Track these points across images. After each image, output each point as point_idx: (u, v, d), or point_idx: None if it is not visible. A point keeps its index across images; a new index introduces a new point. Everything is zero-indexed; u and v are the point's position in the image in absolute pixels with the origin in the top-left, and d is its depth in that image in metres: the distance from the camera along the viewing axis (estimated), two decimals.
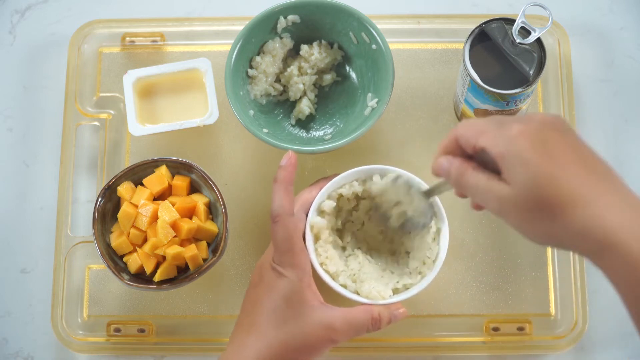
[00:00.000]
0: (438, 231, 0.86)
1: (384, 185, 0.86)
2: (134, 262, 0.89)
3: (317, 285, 0.82)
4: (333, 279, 0.85)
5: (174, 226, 0.89)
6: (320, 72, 0.98)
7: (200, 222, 0.90)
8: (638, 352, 0.93)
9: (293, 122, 0.98)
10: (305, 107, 0.96)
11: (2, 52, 1.04)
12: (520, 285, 0.94)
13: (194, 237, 0.90)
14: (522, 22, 0.85)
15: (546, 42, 0.87)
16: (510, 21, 0.86)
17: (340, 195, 0.88)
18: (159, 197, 0.91)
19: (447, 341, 0.93)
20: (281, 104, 0.98)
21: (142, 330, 0.94)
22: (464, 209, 0.95)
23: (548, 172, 0.62)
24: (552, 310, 0.93)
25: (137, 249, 0.90)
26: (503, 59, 0.86)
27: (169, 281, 0.89)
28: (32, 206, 0.99)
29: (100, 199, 0.90)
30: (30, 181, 1.00)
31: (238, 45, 0.93)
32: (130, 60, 1.02)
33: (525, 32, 0.85)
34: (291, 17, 0.95)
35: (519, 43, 0.85)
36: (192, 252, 0.88)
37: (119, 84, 1.00)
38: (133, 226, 0.89)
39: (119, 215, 0.90)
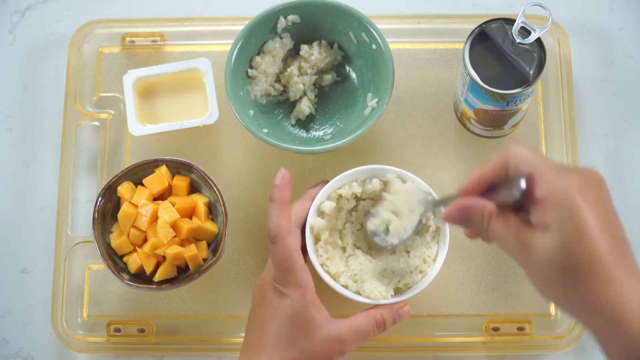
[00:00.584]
0: (438, 230, 0.87)
1: (405, 189, 0.85)
2: (134, 262, 0.89)
3: (317, 285, 0.82)
4: (334, 279, 0.85)
5: (174, 226, 0.89)
6: (320, 72, 0.98)
7: (200, 222, 0.90)
8: None
9: (293, 122, 0.98)
10: (305, 107, 0.96)
11: (2, 52, 1.04)
12: (520, 285, 0.94)
13: (194, 237, 0.90)
14: (522, 22, 0.85)
15: (546, 42, 0.87)
16: (510, 21, 0.86)
17: (340, 196, 0.88)
18: (159, 197, 0.91)
19: (447, 341, 0.93)
20: (281, 104, 0.98)
21: (142, 330, 0.94)
22: None
23: (593, 237, 0.60)
24: (552, 310, 0.93)
25: (137, 249, 0.90)
26: (503, 59, 0.86)
27: (169, 281, 0.89)
28: (32, 206, 0.99)
29: (100, 199, 0.90)
30: (30, 181, 1.00)
31: (238, 45, 0.93)
32: (130, 60, 1.02)
33: (525, 32, 0.85)
34: (291, 17, 0.95)
35: (519, 43, 0.85)
36: (192, 252, 0.88)
37: (119, 84, 1.00)
38: (133, 226, 0.89)
39: (119, 215, 0.90)
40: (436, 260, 0.86)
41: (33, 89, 1.03)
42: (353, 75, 0.98)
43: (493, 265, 0.94)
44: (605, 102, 1.00)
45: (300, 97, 0.97)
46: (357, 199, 0.90)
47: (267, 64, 0.95)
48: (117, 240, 0.90)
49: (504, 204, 0.65)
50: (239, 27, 0.95)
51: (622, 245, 0.62)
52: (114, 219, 0.91)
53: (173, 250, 0.88)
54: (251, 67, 0.95)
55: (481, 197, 0.67)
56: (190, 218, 0.90)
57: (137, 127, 0.94)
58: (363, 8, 0.94)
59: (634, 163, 0.98)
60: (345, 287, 0.85)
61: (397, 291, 0.86)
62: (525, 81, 0.85)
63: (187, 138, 0.98)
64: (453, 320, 0.93)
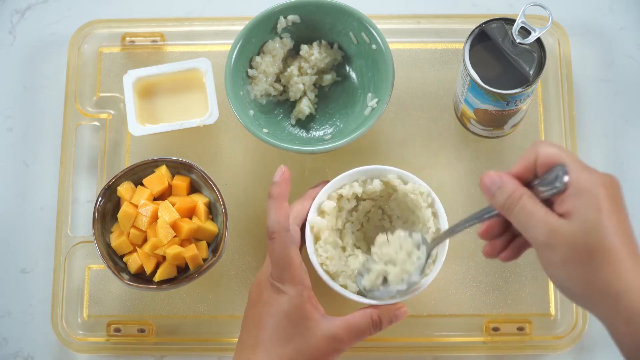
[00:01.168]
0: (438, 231, 0.86)
1: (394, 238, 0.84)
2: (134, 262, 0.89)
3: (316, 284, 0.82)
4: (333, 279, 0.85)
5: (174, 226, 0.89)
6: (320, 72, 0.98)
7: (200, 222, 0.90)
8: None
9: (293, 122, 0.98)
10: (305, 107, 0.96)
11: (2, 52, 1.04)
12: (520, 285, 0.94)
13: (194, 237, 0.90)
14: (522, 22, 0.85)
15: (546, 42, 0.87)
16: (510, 21, 0.86)
17: (341, 196, 0.88)
18: (159, 197, 0.91)
19: (447, 341, 0.93)
20: (281, 104, 0.98)
21: (142, 330, 0.94)
22: (464, 208, 0.95)
23: (610, 226, 0.64)
24: (552, 310, 0.93)
25: (137, 249, 0.90)
26: (503, 59, 0.86)
27: (169, 281, 0.89)
28: (32, 206, 0.99)
29: (100, 199, 0.90)
30: (30, 181, 1.00)
31: (238, 45, 0.93)
32: (130, 60, 1.02)
33: (525, 32, 0.85)
34: (291, 17, 0.95)
35: (519, 43, 0.85)
36: (192, 252, 0.88)
37: (119, 84, 1.00)
38: (133, 226, 0.89)
39: (119, 215, 0.90)
40: (436, 261, 0.85)
41: (33, 89, 1.03)
42: (353, 75, 0.98)
43: (493, 265, 0.94)
44: (605, 102, 1.00)
45: (300, 97, 0.97)
46: (358, 199, 0.90)
47: (267, 64, 0.95)
48: (117, 240, 0.90)
49: (540, 197, 0.68)
50: (239, 27, 0.95)
51: (633, 243, 0.65)
52: (114, 219, 0.91)
53: (173, 250, 0.88)
54: (251, 67, 0.95)
55: None
56: (190, 218, 0.90)
57: (137, 127, 0.94)
58: (363, 8, 0.94)
59: (634, 163, 0.98)
60: (344, 286, 0.85)
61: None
62: (525, 81, 0.85)
63: (187, 138, 0.98)
64: (453, 320, 0.93)
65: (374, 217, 0.91)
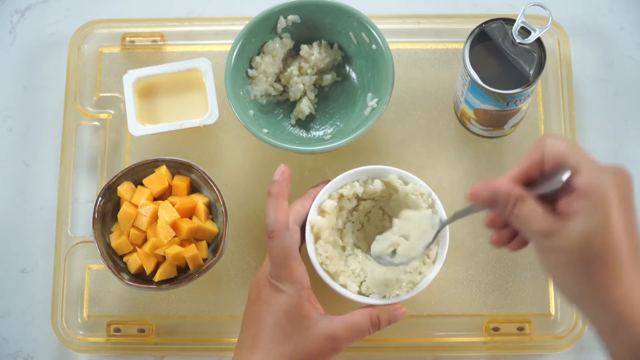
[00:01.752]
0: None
1: (419, 216, 0.84)
2: (134, 262, 0.89)
3: (315, 284, 0.82)
4: (333, 279, 0.85)
5: (174, 226, 0.89)
6: (320, 72, 0.98)
7: (200, 222, 0.90)
8: None
9: (293, 122, 0.98)
10: (305, 107, 0.96)
11: (2, 52, 1.04)
12: (520, 285, 0.94)
13: (194, 237, 0.90)
14: (522, 22, 0.85)
15: (546, 42, 0.87)
16: (510, 21, 0.86)
17: (341, 195, 0.88)
18: (159, 197, 0.91)
19: (447, 341, 0.93)
20: (281, 104, 0.98)
21: (142, 330, 0.94)
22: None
23: (617, 236, 0.62)
24: (552, 310, 0.93)
25: (137, 249, 0.90)
26: (503, 59, 0.86)
27: (169, 281, 0.89)
28: (32, 206, 0.99)
29: (100, 199, 0.90)
30: (30, 181, 1.00)
31: (238, 45, 0.93)
32: (130, 60, 1.02)
33: (525, 32, 0.85)
34: (291, 17, 0.95)
35: (519, 43, 0.85)
36: (192, 252, 0.88)
37: (119, 84, 1.00)
38: (133, 226, 0.89)
39: (119, 215, 0.90)
40: (435, 262, 0.85)
41: (33, 89, 1.03)
42: (353, 75, 0.98)
43: (493, 265, 0.94)
44: (605, 102, 1.00)
45: (300, 97, 0.97)
46: (359, 199, 0.90)
47: (267, 64, 0.95)
48: (117, 240, 0.90)
49: (540, 194, 0.66)
50: (239, 27, 0.95)
51: (638, 247, 0.63)
52: (114, 219, 0.91)
53: (173, 250, 0.88)
54: (251, 67, 0.95)
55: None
56: (190, 218, 0.90)
57: (137, 127, 0.94)
58: (363, 8, 0.94)
59: (634, 163, 0.98)
60: (344, 286, 0.85)
61: None
62: (525, 81, 0.85)
63: (187, 138, 0.98)
64: (453, 320, 0.93)
65: (374, 217, 0.91)
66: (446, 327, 0.93)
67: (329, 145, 0.90)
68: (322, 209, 0.87)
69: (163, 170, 0.91)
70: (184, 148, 0.98)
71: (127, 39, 1.02)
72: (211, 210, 0.92)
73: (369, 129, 0.90)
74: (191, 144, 0.98)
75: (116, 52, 1.02)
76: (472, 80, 0.86)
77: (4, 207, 0.99)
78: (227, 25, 1.02)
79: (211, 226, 0.91)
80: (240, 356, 0.80)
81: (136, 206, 0.89)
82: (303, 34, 0.96)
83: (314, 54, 0.96)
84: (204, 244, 0.90)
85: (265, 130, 0.92)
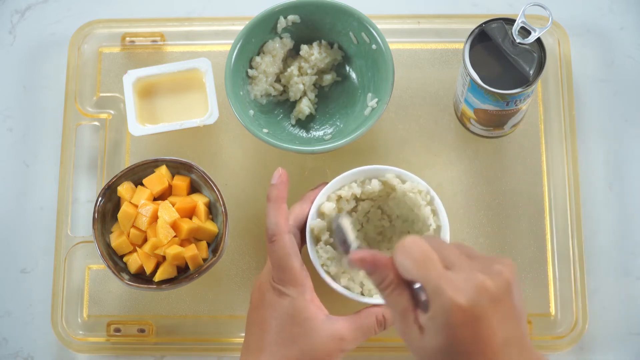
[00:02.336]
0: (438, 229, 0.86)
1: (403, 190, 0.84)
2: (134, 262, 0.89)
3: (318, 286, 0.82)
4: (334, 280, 0.85)
5: (174, 226, 0.89)
6: (320, 72, 0.98)
7: (200, 222, 0.90)
8: (638, 352, 0.93)
9: (293, 122, 0.98)
10: (305, 107, 0.96)
11: (2, 52, 1.04)
12: (520, 285, 0.94)
13: (194, 237, 0.90)
14: (522, 22, 0.85)
15: (546, 42, 0.87)
16: (510, 21, 0.86)
17: (340, 197, 0.88)
18: (159, 197, 0.91)
19: None
20: (281, 104, 0.98)
21: (142, 330, 0.94)
22: (464, 208, 0.95)
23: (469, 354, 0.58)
24: (552, 310, 0.93)
25: (137, 249, 0.90)
26: (503, 59, 0.86)
27: (169, 281, 0.89)
28: (32, 206, 0.99)
29: (100, 199, 0.90)
30: (30, 181, 1.00)
31: (238, 45, 0.93)
32: (130, 60, 1.02)
33: (525, 32, 0.85)
34: (291, 17, 0.95)
35: (519, 43, 0.85)
36: (192, 252, 0.88)
37: (119, 84, 1.00)
38: (133, 226, 0.89)
39: (119, 215, 0.90)
40: None
41: (33, 89, 1.03)
42: (353, 75, 0.98)
43: None
44: (605, 102, 1.00)
45: (300, 97, 0.97)
46: (357, 199, 0.90)
47: (267, 64, 0.95)
48: (117, 240, 0.90)
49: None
50: (239, 27, 0.95)
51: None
52: (114, 219, 0.91)
53: (173, 250, 0.88)
54: (251, 67, 0.95)
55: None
56: (190, 218, 0.90)
57: (137, 127, 0.94)
58: (363, 8, 0.94)
59: (634, 163, 0.98)
60: (346, 287, 0.85)
61: None
62: (525, 81, 0.85)
63: (187, 138, 0.98)
64: None
65: (373, 217, 0.91)
66: None
67: (329, 145, 0.90)
68: (321, 211, 0.87)
69: (163, 170, 0.91)
70: (184, 148, 0.98)
71: (127, 39, 1.02)
72: (211, 210, 0.92)
73: (369, 129, 0.90)
74: (191, 144, 0.98)
75: (116, 52, 1.02)
76: (472, 80, 0.86)
77: (4, 207, 0.99)
78: (227, 25, 1.02)
79: (211, 226, 0.91)
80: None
81: (136, 206, 0.89)
82: (303, 34, 0.96)
83: (314, 54, 0.96)
84: (204, 244, 0.91)
85: (265, 130, 0.92)
